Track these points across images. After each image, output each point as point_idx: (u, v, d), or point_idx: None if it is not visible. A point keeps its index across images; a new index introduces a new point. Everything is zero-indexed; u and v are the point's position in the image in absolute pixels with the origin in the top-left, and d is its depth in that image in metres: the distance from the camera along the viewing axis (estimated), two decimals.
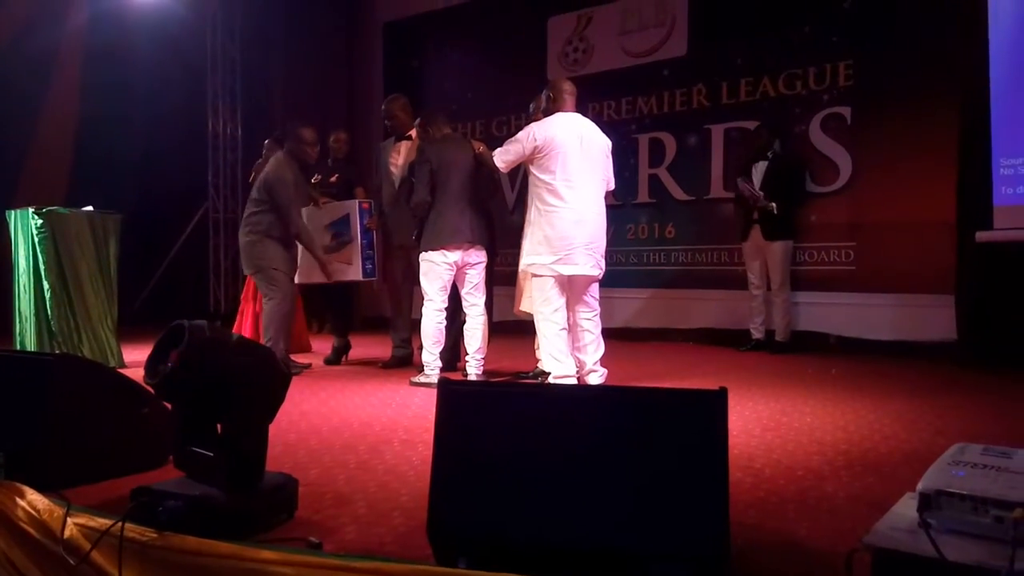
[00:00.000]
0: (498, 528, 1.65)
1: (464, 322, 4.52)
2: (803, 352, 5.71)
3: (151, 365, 2.01)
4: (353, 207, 5.17)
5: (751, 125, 6.20)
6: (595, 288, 4.17)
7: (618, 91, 7.10)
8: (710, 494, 1.54)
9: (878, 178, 5.77)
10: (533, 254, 4.08)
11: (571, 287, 4.09)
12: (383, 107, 5.34)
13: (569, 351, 4.07)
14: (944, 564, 1.40)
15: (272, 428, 2.09)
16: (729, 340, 6.19)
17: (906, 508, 1.64)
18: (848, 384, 4.32)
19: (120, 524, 1.77)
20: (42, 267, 4.79)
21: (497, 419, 1.77)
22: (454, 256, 4.39)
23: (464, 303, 4.52)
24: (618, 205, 6.22)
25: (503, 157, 4.16)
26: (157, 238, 8.80)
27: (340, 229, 5.21)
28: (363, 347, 5.96)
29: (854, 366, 5.04)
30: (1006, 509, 1.45)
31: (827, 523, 2.01)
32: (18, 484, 2.05)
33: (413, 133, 5.06)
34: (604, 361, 4.19)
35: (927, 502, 1.54)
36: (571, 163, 4.00)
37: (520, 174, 6.24)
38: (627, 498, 1.60)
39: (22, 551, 1.95)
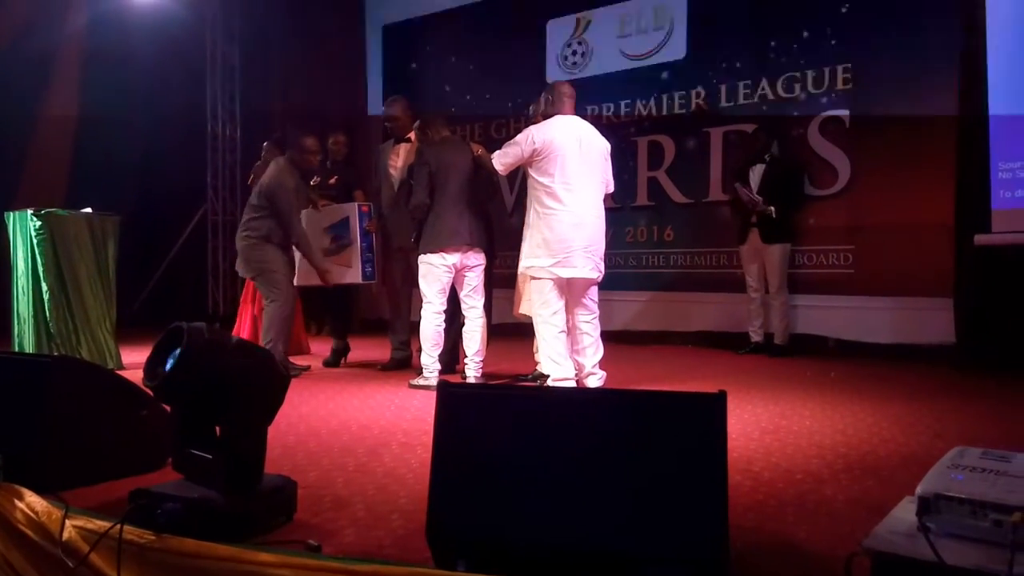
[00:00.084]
0: (497, 531, 1.65)
1: (463, 324, 4.52)
2: (802, 355, 5.72)
3: (150, 367, 2.01)
4: (352, 210, 5.17)
5: (750, 128, 6.20)
6: (594, 291, 4.17)
7: (617, 94, 7.10)
8: (709, 497, 1.54)
9: (877, 181, 5.77)
10: (532, 257, 4.08)
11: (570, 290, 4.09)
12: (384, 109, 5.34)
13: (568, 354, 4.07)
14: (943, 568, 1.40)
15: (271, 430, 2.09)
16: (728, 343, 6.19)
17: (905, 512, 1.64)
18: (847, 387, 4.32)
19: (119, 526, 1.77)
20: (40, 269, 4.79)
21: (496, 422, 1.77)
22: (453, 259, 4.39)
23: (463, 305, 4.52)
24: (617, 208, 6.22)
25: (502, 160, 4.17)
26: (156, 240, 8.80)
27: (339, 232, 5.21)
28: (362, 349, 5.96)
29: (853, 369, 5.05)
30: (1005, 513, 1.45)
31: (826, 527, 2.01)
32: (16, 486, 2.05)
33: (412, 136, 5.07)
34: (603, 364, 4.19)
35: (926, 506, 1.54)
36: (570, 166, 4.00)
37: (519, 177, 6.24)
38: (626, 501, 1.60)
39: (20, 553, 1.95)
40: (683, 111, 6.77)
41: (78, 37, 7.65)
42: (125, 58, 7.93)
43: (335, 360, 5.55)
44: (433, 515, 1.70)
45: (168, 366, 1.94)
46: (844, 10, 5.97)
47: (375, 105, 8.22)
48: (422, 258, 4.44)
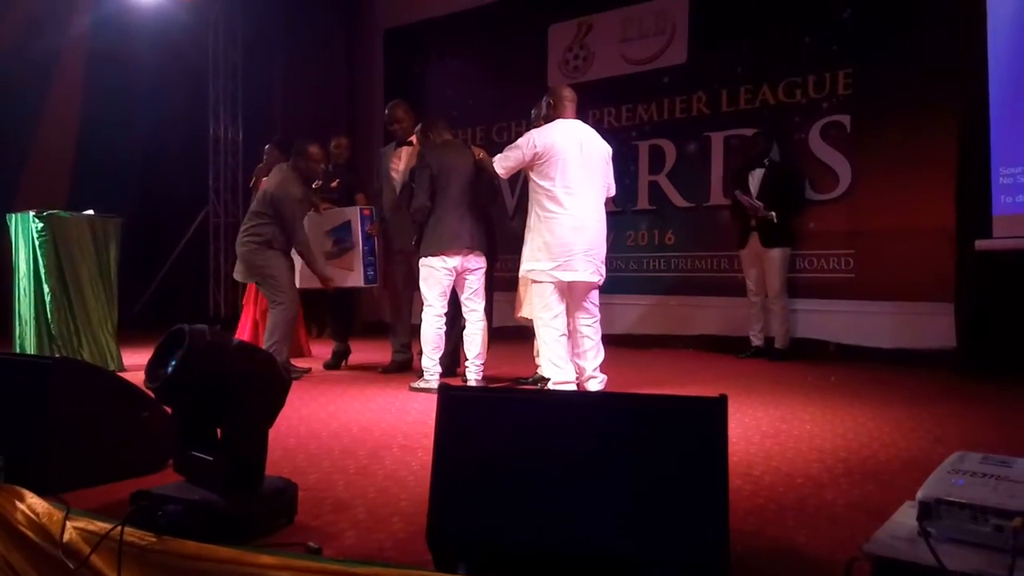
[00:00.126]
0: (498, 534, 1.66)
1: (464, 328, 4.52)
2: (802, 359, 5.72)
3: (152, 369, 2.01)
4: (354, 213, 5.18)
5: (751, 133, 6.20)
6: (595, 294, 4.18)
7: (618, 98, 7.12)
8: (710, 501, 1.55)
9: (877, 186, 5.78)
10: (533, 260, 4.08)
11: (571, 293, 4.09)
12: (386, 112, 5.35)
13: (569, 357, 4.07)
14: (944, 573, 1.40)
15: (271, 433, 2.10)
16: (728, 347, 6.19)
17: (906, 516, 1.64)
18: (847, 392, 4.32)
19: (120, 528, 1.77)
20: (42, 270, 4.79)
21: (497, 425, 1.77)
22: (453, 262, 4.39)
23: (464, 308, 4.52)
24: (618, 212, 6.23)
25: (503, 163, 4.17)
26: (158, 242, 8.80)
27: (341, 235, 5.22)
28: (363, 352, 5.96)
29: (853, 374, 5.04)
30: (1006, 518, 1.45)
31: (826, 531, 2.01)
32: (18, 488, 2.05)
33: (414, 139, 5.08)
34: (604, 367, 4.19)
35: (927, 511, 1.54)
36: (571, 170, 4.00)
37: (520, 180, 6.25)
38: (627, 504, 1.60)
39: (21, 555, 1.95)
40: (684, 115, 6.78)
41: (81, 39, 7.67)
42: (127, 60, 7.94)
43: (336, 363, 5.55)
44: (434, 518, 1.70)
45: (170, 368, 1.94)
46: (845, 15, 5.98)
47: (377, 109, 8.23)
48: (423, 261, 4.45)
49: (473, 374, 4.40)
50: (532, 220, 4.12)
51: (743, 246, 5.96)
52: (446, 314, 4.49)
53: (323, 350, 6.03)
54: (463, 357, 4.62)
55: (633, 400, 1.99)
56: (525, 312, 4.42)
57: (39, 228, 4.79)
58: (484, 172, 4.51)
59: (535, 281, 4.09)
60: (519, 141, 4.12)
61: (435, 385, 4.24)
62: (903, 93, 5.65)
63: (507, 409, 1.83)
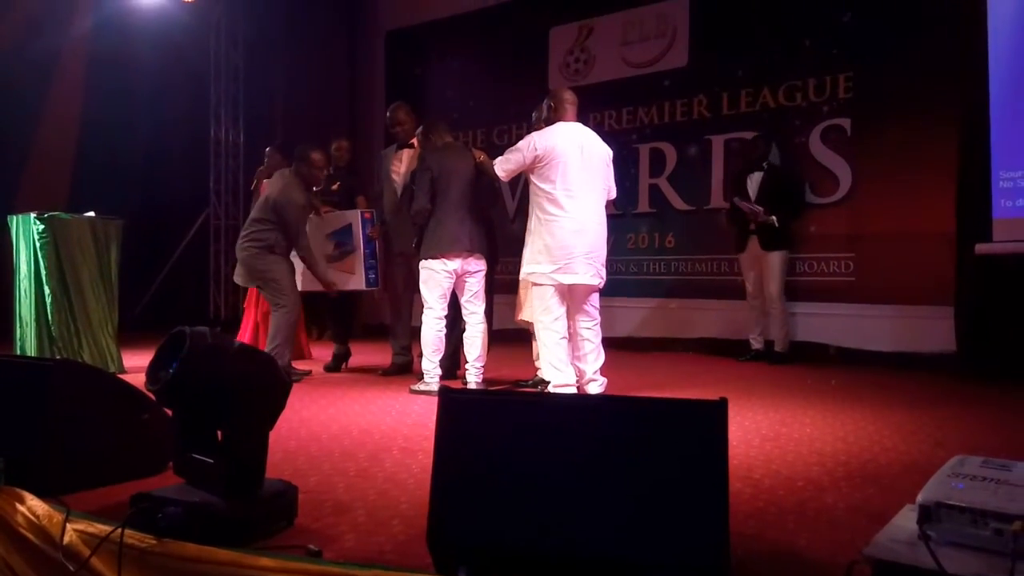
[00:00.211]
0: (498, 537, 1.66)
1: (464, 330, 4.52)
2: (803, 363, 5.72)
3: (152, 371, 2.01)
4: (355, 217, 5.18)
5: (751, 136, 6.21)
6: (595, 297, 4.17)
7: (619, 101, 7.13)
8: (710, 504, 1.55)
9: (878, 189, 5.78)
10: (533, 263, 4.08)
11: (571, 296, 4.09)
12: (388, 114, 5.36)
13: (569, 360, 4.07)
14: None
15: (272, 435, 2.10)
16: (729, 350, 6.19)
17: (906, 520, 1.64)
18: (848, 395, 4.32)
19: (120, 530, 1.77)
20: (43, 272, 4.79)
21: (497, 428, 1.77)
22: (453, 264, 4.39)
23: (464, 311, 4.52)
24: (618, 214, 6.24)
25: (503, 166, 4.17)
26: (158, 244, 8.81)
27: (342, 239, 5.23)
28: (363, 354, 5.96)
29: (853, 377, 5.04)
30: (1005, 522, 1.45)
31: (827, 534, 2.01)
32: (18, 490, 2.05)
33: (415, 141, 5.08)
34: (604, 370, 4.19)
35: (927, 514, 1.54)
36: (571, 172, 4.00)
37: (521, 183, 6.26)
38: (627, 507, 1.60)
39: (21, 557, 1.95)
40: (684, 119, 6.79)
41: (82, 40, 7.68)
42: (128, 62, 7.95)
43: (336, 365, 5.55)
44: (434, 521, 1.70)
45: (171, 370, 1.94)
46: (846, 19, 5.99)
47: (378, 111, 8.23)
48: (423, 263, 4.45)
49: (473, 377, 4.40)
50: (532, 223, 4.12)
51: (742, 249, 5.96)
52: (446, 317, 4.49)
53: (323, 352, 6.03)
54: (463, 360, 4.62)
55: (633, 403, 1.99)
56: (525, 315, 4.42)
57: (40, 230, 4.80)
58: (485, 175, 4.52)
59: (535, 284, 4.09)
60: (520, 144, 4.12)
61: (435, 388, 4.24)
62: (903, 97, 5.66)
63: (507, 412, 1.83)
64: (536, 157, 4.01)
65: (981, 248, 4.93)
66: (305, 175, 4.91)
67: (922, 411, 3.81)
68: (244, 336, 5.82)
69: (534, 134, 4.13)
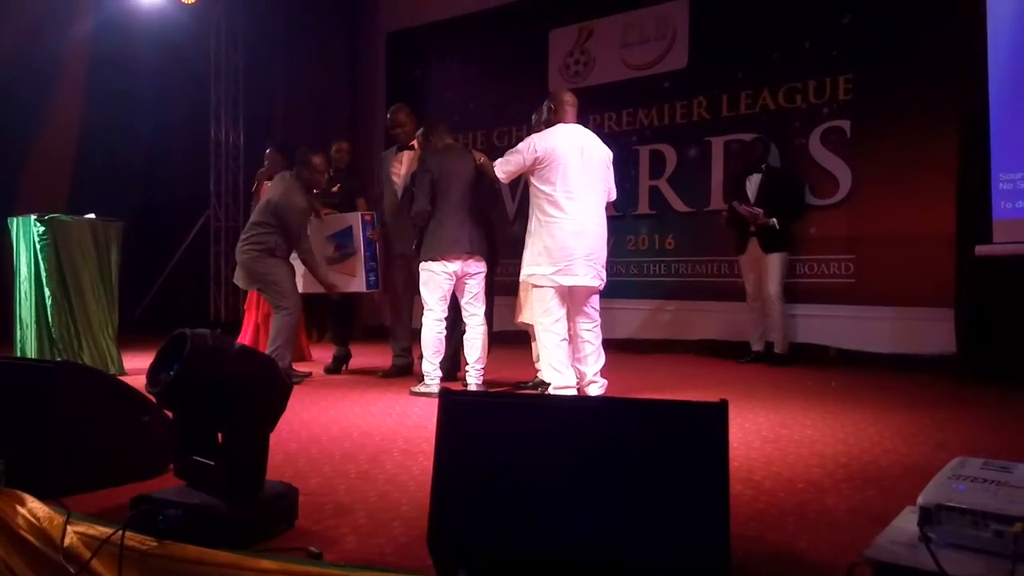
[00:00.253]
0: (499, 539, 1.66)
1: (464, 332, 4.53)
2: (803, 364, 5.72)
3: (153, 373, 2.02)
4: (356, 219, 5.18)
5: (751, 138, 6.21)
6: (596, 299, 4.17)
7: (619, 103, 7.13)
8: (711, 506, 1.55)
9: (878, 191, 5.79)
10: (533, 264, 4.08)
11: (572, 298, 4.09)
12: (388, 116, 5.36)
13: (569, 362, 4.07)
14: None
15: (272, 437, 2.10)
16: (729, 352, 6.19)
17: (906, 522, 1.64)
18: (848, 397, 4.32)
19: (120, 532, 1.77)
20: (43, 274, 4.80)
21: (498, 430, 1.77)
22: (453, 266, 4.40)
23: (464, 313, 4.52)
24: (618, 216, 6.24)
25: (503, 168, 4.17)
26: (159, 245, 8.82)
27: (343, 241, 5.23)
28: (363, 356, 5.96)
29: (854, 379, 5.04)
30: (1006, 523, 1.45)
31: (827, 536, 2.01)
32: (18, 492, 2.05)
33: (415, 143, 5.08)
34: (604, 372, 4.19)
35: (927, 516, 1.54)
36: (571, 174, 4.01)
37: (521, 184, 6.26)
38: (627, 509, 1.60)
39: (22, 559, 1.95)
40: (684, 120, 6.79)
41: (82, 42, 7.68)
42: (129, 64, 7.96)
43: (336, 367, 5.55)
44: (435, 523, 1.70)
45: (171, 372, 1.94)
46: (845, 21, 6.00)
47: (378, 112, 8.24)
48: (423, 265, 4.45)
49: (473, 378, 4.40)
50: (533, 224, 4.12)
51: (742, 251, 5.96)
52: (446, 318, 4.49)
53: (324, 354, 6.03)
54: (463, 361, 4.62)
55: (634, 405, 1.99)
56: (526, 317, 4.42)
57: (40, 232, 4.80)
58: (485, 177, 4.52)
59: (536, 286, 4.09)
60: (520, 146, 4.13)
61: (435, 389, 4.24)
62: (903, 98, 5.66)
63: (508, 414, 1.83)
64: (536, 159, 4.01)
65: (981, 250, 4.93)
66: (306, 179, 4.92)
67: (922, 413, 3.81)
68: (245, 338, 5.82)
69: (534, 136, 4.13)
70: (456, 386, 4.54)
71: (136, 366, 5.00)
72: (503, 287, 5.27)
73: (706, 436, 1.61)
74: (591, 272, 4.03)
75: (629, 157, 6.92)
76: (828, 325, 6.00)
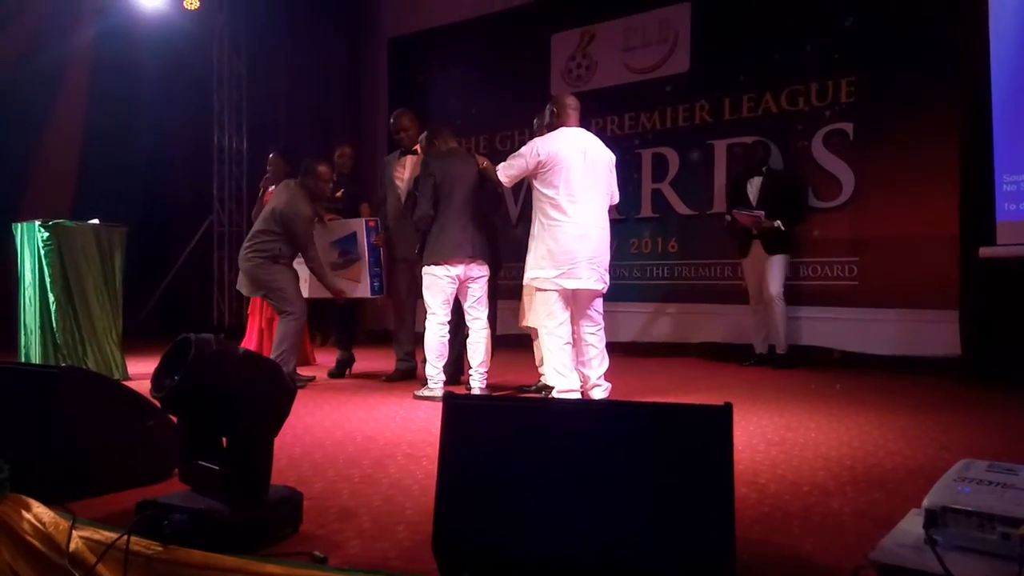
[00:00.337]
0: (503, 543, 1.65)
1: (467, 336, 4.53)
2: (807, 367, 5.71)
3: (157, 378, 2.02)
4: (360, 225, 5.19)
5: (752, 141, 6.21)
6: (599, 302, 4.18)
7: (621, 107, 7.14)
8: (715, 509, 1.54)
9: (881, 193, 5.78)
10: (537, 268, 4.08)
11: (575, 301, 4.09)
12: (391, 120, 5.37)
13: (573, 365, 4.06)
14: None
15: (276, 441, 2.10)
16: (732, 355, 6.19)
17: (912, 524, 1.64)
18: (852, 399, 4.32)
19: (125, 537, 1.77)
20: (48, 280, 4.81)
21: (502, 433, 1.77)
22: (456, 270, 4.40)
23: (467, 317, 4.52)
24: (621, 219, 6.24)
25: (506, 172, 4.18)
26: (162, 251, 8.84)
27: (347, 247, 5.24)
28: (367, 360, 5.96)
29: (858, 381, 5.03)
30: (1012, 526, 1.45)
31: (832, 539, 2.00)
32: (24, 497, 2.06)
33: (419, 147, 5.09)
34: (608, 375, 4.19)
35: (933, 518, 1.54)
36: (574, 178, 4.01)
37: (524, 188, 6.26)
38: (632, 513, 1.60)
39: (27, 564, 1.95)
40: (687, 123, 6.80)
41: (86, 49, 7.72)
42: (132, 70, 8.00)
43: (340, 371, 5.56)
44: (439, 527, 1.70)
45: (176, 377, 1.95)
46: (847, 23, 5.99)
47: (381, 118, 8.25)
48: (426, 269, 4.46)
49: (477, 382, 4.41)
50: (536, 228, 4.12)
51: (745, 254, 5.96)
52: (449, 322, 4.49)
53: (327, 358, 6.03)
54: (467, 365, 4.63)
55: (638, 408, 1.99)
56: (530, 320, 4.42)
57: (44, 237, 4.81)
58: (488, 181, 4.53)
59: (539, 289, 4.10)
60: (523, 149, 4.13)
61: (439, 393, 4.24)
62: (906, 100, 5.66)
63: (512, 418, 1.83)
64: (539, 163, 4.02)
65: (985, 251, 4.92)
66: (311, 187, 4.94)
67: (927, 415, 3.80)
68: (249, 343, 5.83)
69: (537, 139, 4.13)
70: (460, 390, 4.54)
71: (140, 371, 5.01)
72: (506, 291, 5.27)
73: (711, 439, 1.60)
74: (594, 275, 4.03)
75: (631, 160, 6.91)
76: (832, 327, 5.99)
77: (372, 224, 5.22)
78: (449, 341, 4.53)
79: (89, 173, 7.74)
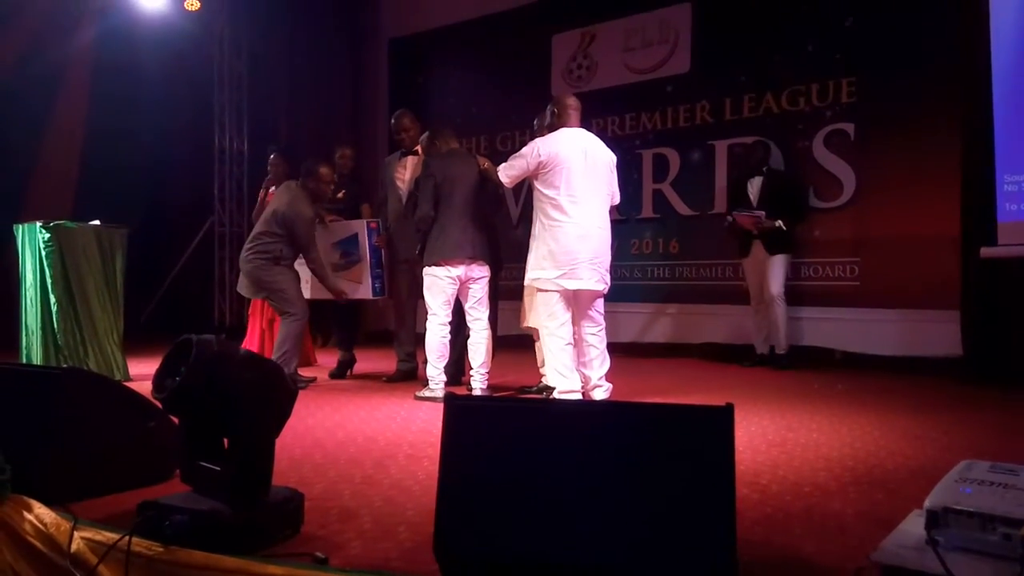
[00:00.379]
0: (504, 544, 1.65)
1: (468, 336, 4.53)
2: (808, 367, 5.70)
3: (159, 379, 2.02)
4: (361, 227, 5.19)
5: (752, 141, 6.20)
6: (600, 303, 4.18)
7: (622, 107, 7.14)
8: (717, 510, 1.54)
9: (882, 194, 5.78)
10: (538, 269, 4.09)
11: (576, 302, 4.09)
12: (392, 121, 5.38)
13: (574, 366, 4.06)
14: None
15: (278, 442, 2.10)
16: (733, 355, 6.19)
17: (913, 525, 1.64)
18: (853, 400, 4.31)
19: (127, 538, 1.78)
20: (49, 281, 4.81)
21: (503, 434, 1.77)
22: (457, 271, 4.40)
23: (468, 317, 4.52)
24: (622, 220, 6.24)
25: (507, 172, 4.18)
26: (163, 252, 8.84)
27: (348, 248, 5.24)
28: (368, 361, 5.96)
29: (859, 382, 5.03)
30: (1014, 527, 1.45)
31: (834, 540, 2.00)
32: (25, 498, 2.06)
33: (419, 148, 5.09)
34: (609, 376, 4.19)
35: (935, 519, 1.54)
36: (575, 178, 4.01)
37: (524, 189, 6.26)
38: (633, 514, 1.60)
39: (29, 565, 1.96)
40: (688, 124, 6.80)
41: (87, 50, 7.72)
42: (133, 71, 8.00)
43: (341, 372, 5.55)
44: (440, 528, 1.70)
45: (177, 378, 1.95)
46: (848, 24, 5.99)
47: (381, 118, 8.26)
48: (426, 270, 4.46)
49: (478, 383, 4.41)
50: (537, 229, 4.12)
51: (746, 254, 5.95)
52: (450, 323, 4.49)
53: (328, 359, 6.03)
54: (468, 366, 4.63)
55: (639, 409, 1.99)
56: (531, 321, 4.42)
57: (45, 239, 4.82)
58: (489, 181, 4.53)
59: (540, 290, 4.10)
60: (524, 150, 4.13)
61: (440, 394, 4.24)
62: (907, 101, 5.66)
63: (513, 418, 1.83)
64: (540, 163, 4.02)
65: (986, 252, 4.92)
66: (312, 189, 4.95)
67: (928, 416, 3.80)
68: (251, 345, 5.82)
69: (538, 140, 4.13)
70: (460, 390, 4.54)
71: (141, 372, 5.01)
72: (507, 291, 5.27)
73: (712, 440, 1.60)
74: (595, 276, 4.03)
75: (632, 161, 6.91)
76: (833, 328, 5.98)
77: (374, 225, 5.22)
78: (450, 342, 4.53)
79: (90, 174, 7.74)
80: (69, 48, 7.53)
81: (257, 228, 5.01)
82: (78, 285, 4.89)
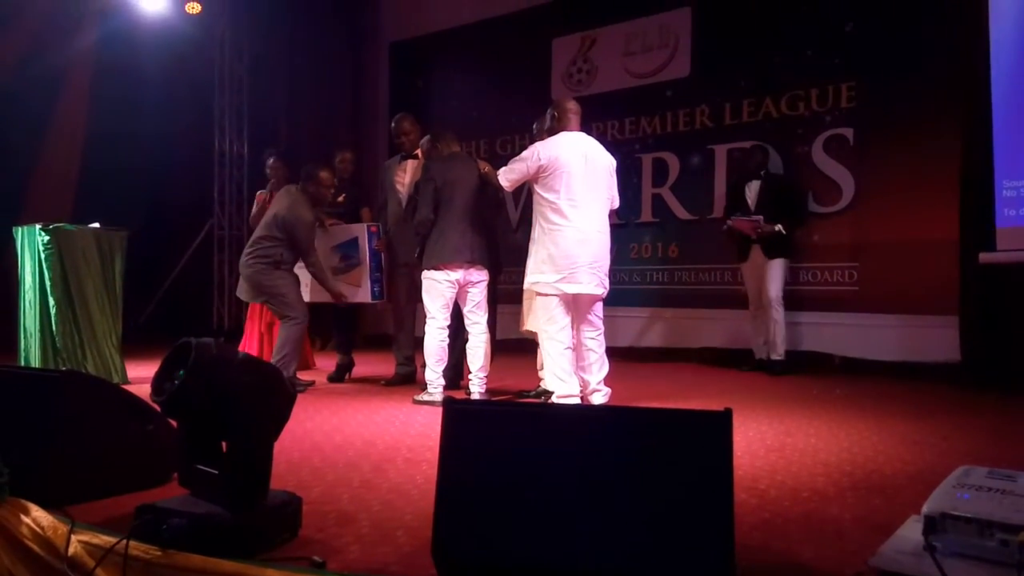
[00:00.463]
0: (503, 548, 1.65)
1: (467, 341, 4.53)
2: (806, 373, 5.70)
3: (157, 382, 2.02)
4: (361, 230, 5.20)
5: (750, 145, 6.21)
6: (599, 307, 4.18)
7: (622, 111, 7.15)
8: (715, 515, 1.54)
9: (881, 199, 5.79)
10: (537, 273, 4.09)
11: (575, 306, 4.09)
12: (393, 124, 5.38)
13: (573, 370, 4.06)
14: None
15: (276, 446, 2.10)
16: (732, 360, 6.19)
17: (911, 531, 1.64)
18: (852, 405, 4.31)
19: (124, 542, 1.77)
20: (48, 283, 4.81)
21: (502, 438, 1.77)
22: (456, 275, 4.40)
23: (466, 321, 4.52)
24: (621, 224, 6.24)
25: (507, 176, 4.18)
26: (162, 254, 8.84)
27: (348, 252, 5.24)
28: (366, 365, 5.96)
29: (858, 387, 5.03)
30: (1011, 532, 1.45)
31: (832, 545, 2.00)
32: (23, 501, 2.06)
33: (419, 152, 5.10)
34: (608, 380, 4.19)
35: (932, 525, 1.54)
36: (575, 182, 4.02)
37: (524, 192, 6.26)
38: (632, 518, 1.60)
39: (26, 568, 1.95)
40: (687, 128, 6.81)
41: (87, 53, 7.73)
42: (133, 74, 8.00)
43: (340, 375, 5.55)
44: (439, 533, 1.70)
45: (176, 382, 1.95)
46: (848, 28, 6.01)
47: (382, 122, 8.26)
48: (425, 274, 4.46)
49: (476, 387, 4.40)
50: (536, 232, 4.13)
51: (745, 259, 5.96)
52: (449, 327, 4.49)
53: (327, 363, 6.03)
54: (466, 370, 4.62)
55: (638, 414, 1.99)
56: (530, 325, 4.42)
57: (45, 241, 4.82)
58: (489, 185, 4.53)
59: (540, 294, 4.10)
60: (524, 154, 4.14)
61: (439, 398, 4.24)
62: (906, 106, 5.67)
63: (512, 423, 1.83)
64: (540, 167, 4.02)
65: (985, 257, 4.92)
66: (313, 193, 4.95)
67: (927, 421, 3.80)
68: (249, 348, 5.82)
69: (538, 144, 4.14)
70: (459, 395, 4.54)
71: (140, 375, 5.01)
72: (506, 295, 5.27)
73: (710, 445, 1.60)
74: (595, 280, 4.03)
75: (632, 165, 6.93)
76: (832, 333, 5.99)
77: (374, 229, 5.23)
78: (449, 346, 4.53)
79: (90, 177, 7.74)
80: (70, 50, 7.54)
81: (257, 232, 5.02)
82: (77, 288, 4.89)
